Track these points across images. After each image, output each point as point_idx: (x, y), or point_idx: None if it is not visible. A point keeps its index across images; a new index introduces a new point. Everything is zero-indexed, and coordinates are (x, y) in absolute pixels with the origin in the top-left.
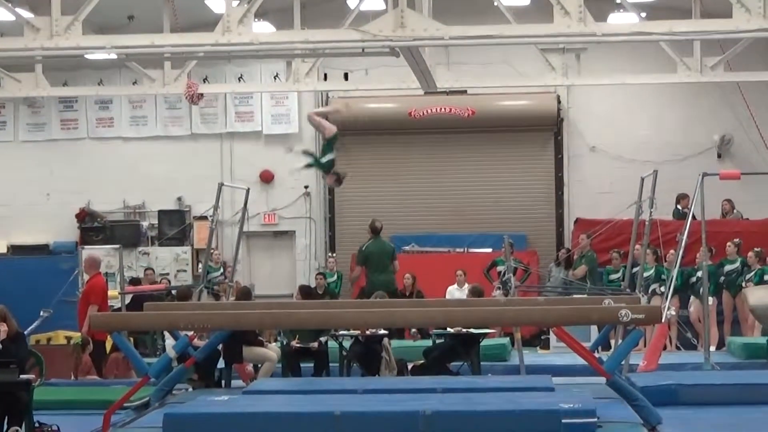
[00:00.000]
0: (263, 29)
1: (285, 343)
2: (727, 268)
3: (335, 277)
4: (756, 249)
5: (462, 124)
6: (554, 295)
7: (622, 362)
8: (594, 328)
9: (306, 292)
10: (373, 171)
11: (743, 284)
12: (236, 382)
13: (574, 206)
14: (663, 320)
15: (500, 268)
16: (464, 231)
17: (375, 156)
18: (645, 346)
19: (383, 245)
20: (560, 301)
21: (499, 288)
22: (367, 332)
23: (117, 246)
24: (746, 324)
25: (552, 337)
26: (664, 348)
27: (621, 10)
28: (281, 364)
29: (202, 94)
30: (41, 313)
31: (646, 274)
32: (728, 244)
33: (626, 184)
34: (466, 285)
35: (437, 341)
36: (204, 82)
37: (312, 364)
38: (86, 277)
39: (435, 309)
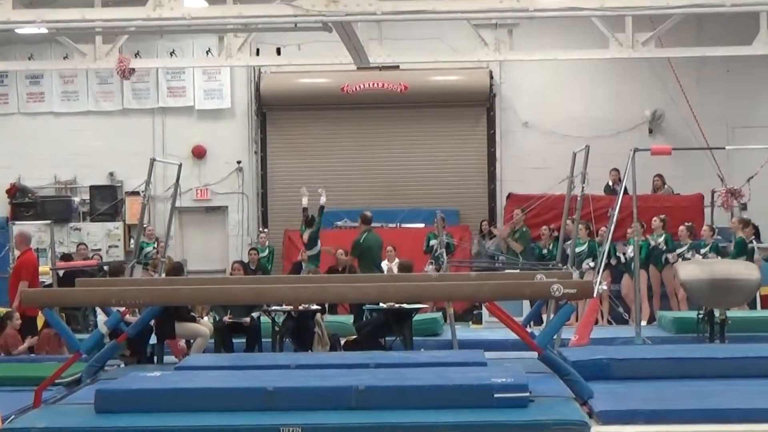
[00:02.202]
0: (195, 4)
1: (217, 319)
2: (653, 243)
3: (267, 252)
4: (687, 223)
5: (395, 100)
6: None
7: (554, 337)
8: (526, 303)
9: (245, 267)
10: (305, 146)
11: (668, 259)
12: (168, 358)
13: (506, 181)
14: (594, 295)
15: (433, 242)
16: (397, 206)
17: (307, 131)
18: (577, 320)
19: (377, 238)
20: (492, 276)
21: (431, 263)
22: (300, 308)
23: (48, 221)
24: (674, 299)
25: (484, 312)
26: (596, 322)
27: None
28: (213, 340)
29: (133, 69)
30: None
31: (578, 249)
32: (654, 219)
33: (559, 159)
34: (397, 261)
35: (369, 316)
36: (135, 57)
37: (244, 340)
38: (17, 252)
39: (368, 284)
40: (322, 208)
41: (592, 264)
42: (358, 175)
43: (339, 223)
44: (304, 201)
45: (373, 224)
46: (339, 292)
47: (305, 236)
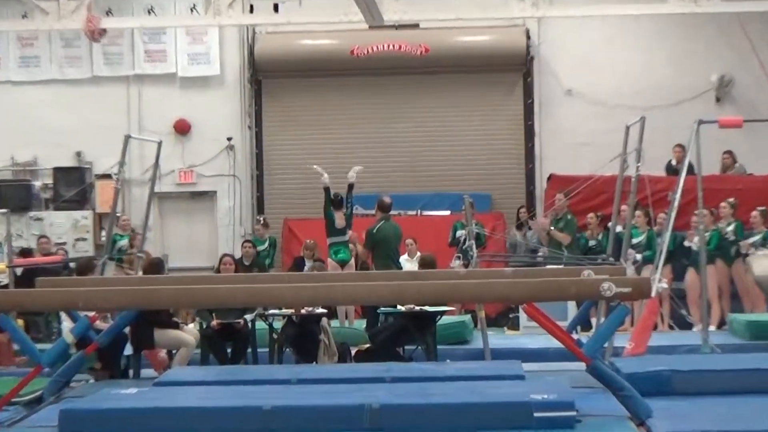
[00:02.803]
0: None
1: (204, 325)
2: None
3: (266, 245)
4: (761, 208)
5: (413, 64)
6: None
7: (605, 345)
8: (572, 305)
9: (237, 263)
10: (308, 120)
11: (739, 251)
12: (147, 371)
13: (547, 160)
14: (653, 294)
15: (460, 233)
16: (417, 190)
17: (311, 102)
18: (632, 325)
19: (395, 227)
20: (531, 273)
21: (458, 257)
22: (302, 311)
23: (4, 210)
24: (747, 298)
25: (522, 315)
26: (655, 327)
27: None
28: (200, 350)
29: (104, 30)
30: None
31: (634, 240)
32: (722, 204)
33: (609, 134)
34: (418, 255)
35: (385, 321)
36: (107, 15)
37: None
38: None
39: (382, 283)
40: (351, 186)
41: (639, 257)
42: (371, 155)
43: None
44: (326, 178)
45: (393, 211)
46: (349, 293)
47: (338, 220)
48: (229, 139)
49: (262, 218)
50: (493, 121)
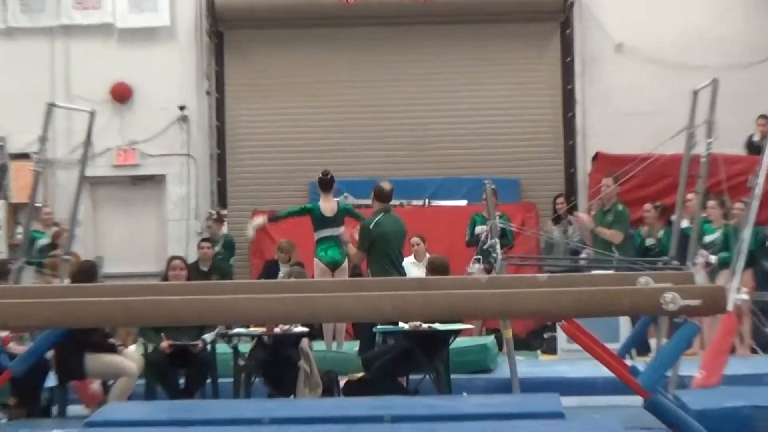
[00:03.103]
0: None
1: (149, 348)
2: None
3: (219, 246)
4: None
5: (420, 12)
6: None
7: (668, 373)
8: (624, 322)
9: (192, 268)
10: (284, 84)
11: None
12: (75, 408)
13: (591, 135)
14: (730, 308)
15: (480, 228)
16: (425, 174)
17: (287, 61)
18: (703, 348)
19: (398, 222)
20: (572, 280)
21: (477, 260)
22: (276, 330)
23: None
24: None
25: (560, 335)
26: (733, 351)
27: None
28: (144, 380)
29: None
30: None
31: (707, 238)
32: None
33: (671, 100)
34: (427, 257)
35: (384, 343)
36: None
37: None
38: None
39: (380, 294)
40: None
41: (713, 259)
42: (365, 128)
43: (338, 199)
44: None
45: (393, 201)
46: (337, 307)
47: (325, 204)
48: (181, 108)
49: (215, 212)
50: (523, 85)
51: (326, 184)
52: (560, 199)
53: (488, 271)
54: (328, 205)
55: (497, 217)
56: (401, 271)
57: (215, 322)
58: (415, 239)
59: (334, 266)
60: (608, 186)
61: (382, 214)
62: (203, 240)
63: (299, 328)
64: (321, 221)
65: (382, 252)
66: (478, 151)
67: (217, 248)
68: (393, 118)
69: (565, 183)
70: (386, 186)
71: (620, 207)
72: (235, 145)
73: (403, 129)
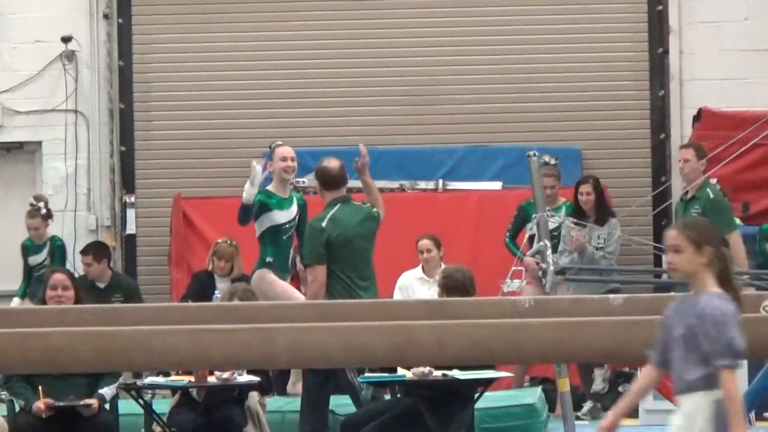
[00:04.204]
0: None
1: (18, 407)
2: None
3: (44, 253)
4: None
5: None
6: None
7: None
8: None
9: (80, 283)
10: (226, 6)
11: None
12: None
13: (692, 82)
14: None
15: (531, 227)
16: (437, 143)
17: None
18: None
19: (364, 213)
20: (659, 304)
21: (521, 274)
22: (212, 379)
23: None
24: None
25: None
26: None
27: None
28: None
29: None
30: None
31: None
32: None
33: None
34: (442, 268)
35: (376, 398)
36: None
37: None
38: None
39: (369, 325)
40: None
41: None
42: (348, 74)
43: (301, 181)
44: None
45: (387, 183)
46: (305, 345)
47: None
48: (65, 40)
49: (39, 202)
50: (588, 6)
51: (336, 182)
52: (584, 188)
53: (540, 288)
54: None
55: (563, 206)
56: (371, 291)
57: (118, 367)
58: (424, 243)
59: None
60: (687, 162)
61: (337, 206)
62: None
63: (246, 377)
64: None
65: (344, 263)
66: (518, 106)
67: (40, 258)
68: (388, 58)
69: (651, 154)
70: (333, 164)
71: (713, 194)
72: (147, 96)
73: (404, 73)
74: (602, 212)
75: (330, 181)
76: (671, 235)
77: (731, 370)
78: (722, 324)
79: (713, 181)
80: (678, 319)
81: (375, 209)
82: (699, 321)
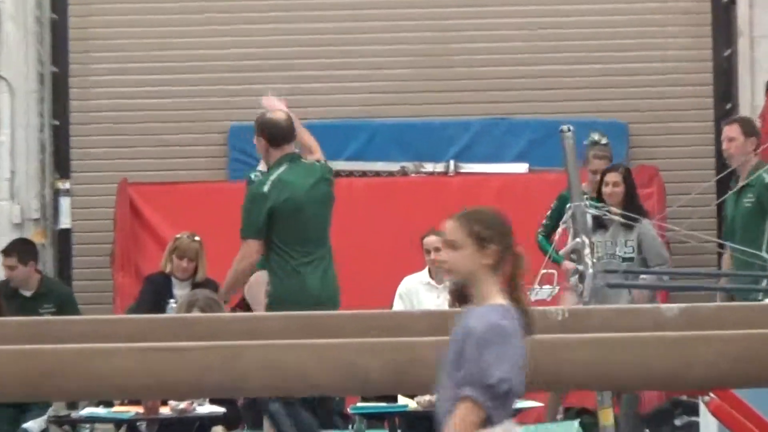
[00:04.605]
0: None
1: None
2: None
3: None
4: None
5: None
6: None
7: None
8: None
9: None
10: None
11: None
12: None
13: (764, 43)
14: None
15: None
16: (448, 115)
17: None
18: None
19: (317, 174)
20: (725, 315)
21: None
22: (165, 410)
23: None
24: None
25: (705, 419)
26: None
27: None
28: None
29: None
30: None
31: None
32: None
33: None
34: None
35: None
36: None
37: None
38: None
39: (360, 342)
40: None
41: None
42: (336, 31)
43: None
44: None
45: (385, 164)
46: (282, 367)
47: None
48: None
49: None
50: None
51: (285, 136)
52: (611, 176)
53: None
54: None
55: (587, 198)
56: (327, 280)
57: (48, 395)
58: (431, 240)
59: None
60: (732, 140)
61: (284, 167)
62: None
63: (208, 407)
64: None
65: (289, 234)
66: (547, 70)
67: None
68: (385, 9)
69: (714, 130)
70: (279, 116)
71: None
72: (86, 58)
73: (406, 28)
74: (632, 211)
75: (278, 135)
76: (447, 226)
77: (474, 406)
78: (485, 345)
79: None
80: (453, 336)
81: (329, 168)
82: (464, 338)
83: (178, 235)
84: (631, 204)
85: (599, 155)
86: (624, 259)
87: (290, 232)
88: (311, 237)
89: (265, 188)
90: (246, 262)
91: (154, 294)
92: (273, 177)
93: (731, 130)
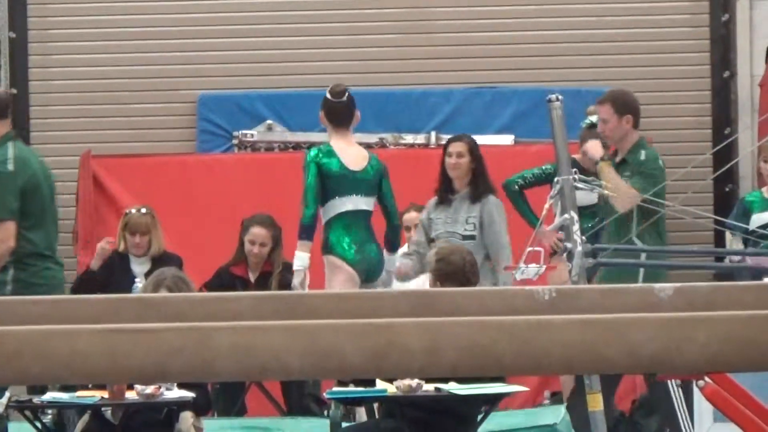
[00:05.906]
0: None
1: None
2: None
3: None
4: None
5: None
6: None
7: None
8: None
9: None
10: None
11: None
12: None
13: (765, 6)
14: None
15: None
16: (429, 83)
17: None
18: None
19: (35, 152)
20: (720, 294)
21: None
22: (131, 395)
23: None
24: None
25: (699, 404)
26: None
27: None
28: None
29: None
30: None
31: None
32: None
33: None
34: (434, 250)
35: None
36: None
37: None
38: None
39: (338, 324)
40: None
41: None
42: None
43: (249, 134)
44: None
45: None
46: (252, 349)
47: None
48: None
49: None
50: None
51: (343, 111)
52: (455, 146)
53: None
54: (351, 153)
55: (575, 174)
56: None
57: (6, 380)
58: (411, 216)
59: (369, 274)
60: (606, 121)
61: (12, 143)
62: None
63: (176, 392)
64: (340, 182)
65: (34, 219)
66: (535, 35)
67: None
68: None
69: (712, 99)
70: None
71: (645, 154)
72: (46, 23)
73: None
74: (480, 185)
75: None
76: None
77: None
78: None
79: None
80: None
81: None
82: None
83: (128, 210)
84: (479, 178)
85: (595, 135)
86: (464, 237)
87: (32, 216)
88: (48, 222)
89: (10, 166)
90: (3, 246)
91: (112, 272)
92: (12, 154)
93: (603, 111)
